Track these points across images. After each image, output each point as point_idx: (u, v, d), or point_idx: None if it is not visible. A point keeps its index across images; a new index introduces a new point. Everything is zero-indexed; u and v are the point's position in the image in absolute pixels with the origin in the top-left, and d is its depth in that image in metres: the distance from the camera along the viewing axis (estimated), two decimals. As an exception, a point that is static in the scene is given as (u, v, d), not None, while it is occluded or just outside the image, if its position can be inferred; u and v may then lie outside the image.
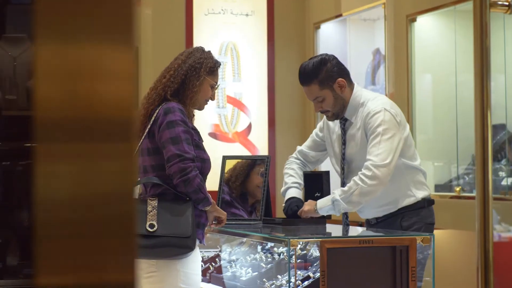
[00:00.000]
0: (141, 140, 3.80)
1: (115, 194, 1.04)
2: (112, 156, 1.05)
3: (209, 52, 3.96)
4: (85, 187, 1.04)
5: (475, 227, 2.35)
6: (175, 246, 3.63)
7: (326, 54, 4.27)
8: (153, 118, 3.77)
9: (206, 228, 3.93)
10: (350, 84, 4.23)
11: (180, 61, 3.88)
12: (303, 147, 4.55)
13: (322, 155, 4.51)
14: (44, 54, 1.01)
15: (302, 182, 4.43)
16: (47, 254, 1.02)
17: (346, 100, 4.19)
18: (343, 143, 4.23)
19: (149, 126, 3.78)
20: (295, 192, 4.39)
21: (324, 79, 4.17)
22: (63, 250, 1.03)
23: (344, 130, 4.23)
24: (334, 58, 4.24)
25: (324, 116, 4.38)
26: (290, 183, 4.43)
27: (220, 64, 3.99)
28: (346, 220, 4.44)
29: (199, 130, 3.91)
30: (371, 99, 4.18)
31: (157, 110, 3.78)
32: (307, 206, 4.19)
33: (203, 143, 3.92)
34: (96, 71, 1.03)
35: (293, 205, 4.31)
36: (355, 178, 4.02)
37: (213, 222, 3.91)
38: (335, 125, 4.31)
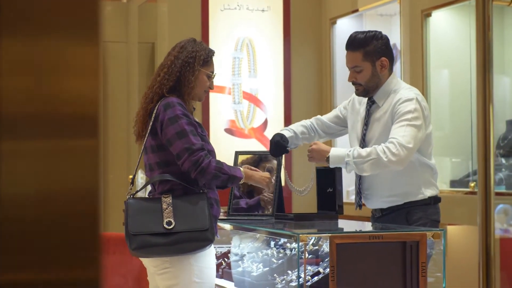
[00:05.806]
0: (145, 139, 3.79)
1: (80, 190, 1.03)
2: (76, 153, 1.04)
3: (200, 42, 3.91)
4: (49, 184, 1.03)
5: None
6: (196, 240, 3.62)
7: (380, 32, 4.28)
8: (153, 115, 3.75)
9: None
10: (391, 69, 4.26)
11: (173, 57, 3.83)
12: (323, 116, 4.56)
13: (338, 130, 4.53)
14: (8, 49, 1.00)
15: (296, 130, 4.46)
16: (10, 251, 1.02)
17: (381, 81, 4.21)
18: (365, 124, 4.23)
19: (150, 124, 3.76)
20: (284, 132, 4.43)
21: (370, 52, 4.19)
22: (27, 246, 1.03)
23: (369, 112, 4.23)
24: (387, 38, 4.26)
25: (351, 97, 4.38)
26: (284, 128, 4.52)
27: (213, 53, 3.93)
28: (359, 201, 4.36)
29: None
30: (405, 88, 4.21)
31: (157, 107, 3.76)
32: (315, 145, 4.16)
33: (209, 136, 3.89)
34: (60, 67, 1.03)
35: (277, 136, 4.33)
36: (378, 147, 3.99)
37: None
38: (361, 107, 4.31)
